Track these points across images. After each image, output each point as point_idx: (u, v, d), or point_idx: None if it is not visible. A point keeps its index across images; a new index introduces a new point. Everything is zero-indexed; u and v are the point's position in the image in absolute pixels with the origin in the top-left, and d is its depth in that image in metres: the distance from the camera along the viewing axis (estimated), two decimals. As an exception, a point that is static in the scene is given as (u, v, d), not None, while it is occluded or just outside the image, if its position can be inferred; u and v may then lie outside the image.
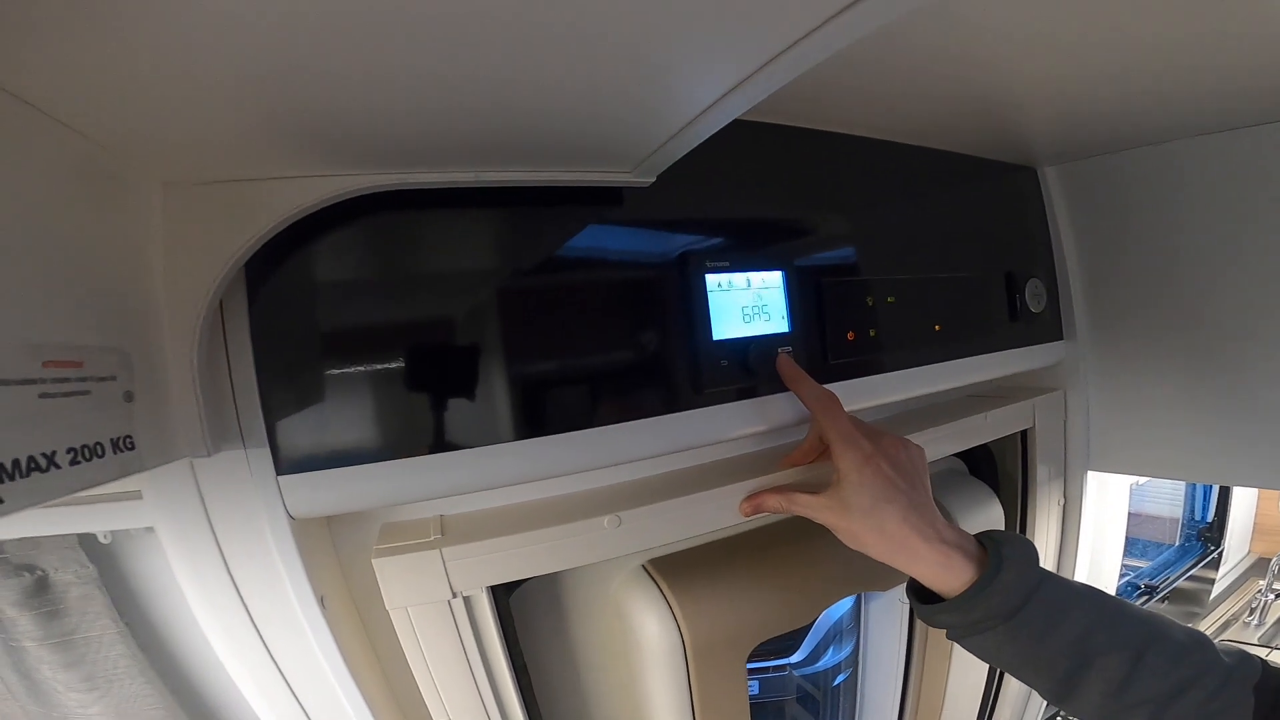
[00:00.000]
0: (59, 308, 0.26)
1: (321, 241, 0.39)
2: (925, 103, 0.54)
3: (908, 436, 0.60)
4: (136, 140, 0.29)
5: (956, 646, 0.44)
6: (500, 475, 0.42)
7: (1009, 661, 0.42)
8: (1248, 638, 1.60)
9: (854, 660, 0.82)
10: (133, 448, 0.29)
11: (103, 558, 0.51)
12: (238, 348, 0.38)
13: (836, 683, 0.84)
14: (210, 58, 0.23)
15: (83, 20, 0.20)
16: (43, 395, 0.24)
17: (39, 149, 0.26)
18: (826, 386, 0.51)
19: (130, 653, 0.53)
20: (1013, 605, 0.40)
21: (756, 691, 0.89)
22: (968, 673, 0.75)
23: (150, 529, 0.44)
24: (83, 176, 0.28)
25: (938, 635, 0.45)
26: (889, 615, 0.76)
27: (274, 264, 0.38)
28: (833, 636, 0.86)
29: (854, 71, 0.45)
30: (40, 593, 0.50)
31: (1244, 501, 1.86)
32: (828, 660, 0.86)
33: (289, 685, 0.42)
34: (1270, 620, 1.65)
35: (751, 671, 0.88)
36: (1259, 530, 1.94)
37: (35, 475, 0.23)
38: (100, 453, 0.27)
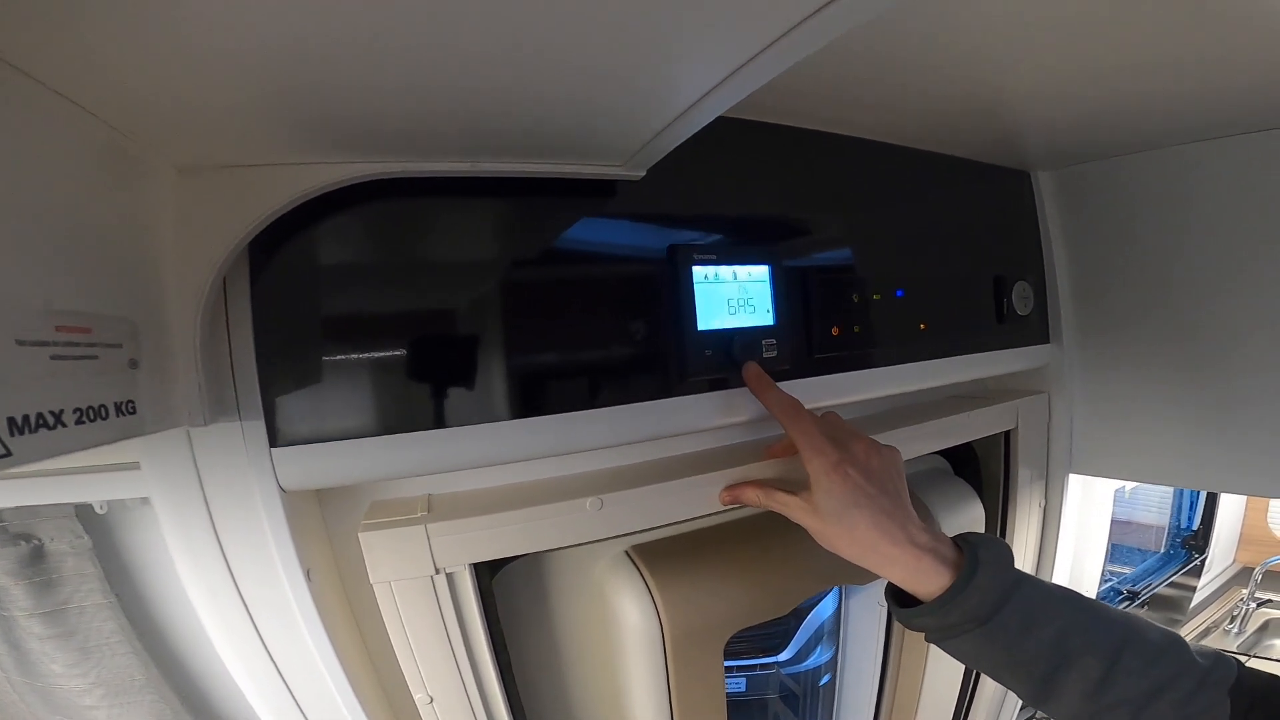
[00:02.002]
0: (73, 277, 0.28)
1: (321, 224, 0.40)
2: (920, 102, 0.54)
3: (890, 433, 0.61)
4: (154, 126, 0.31)
5: (933, 646, 0.44)
6: (488, 454, 0.43)
7: (987, 664, 0.42)
8: (1228, 645, 1.62)
9: (836, 659, 0.83)
10: (134, 412, 0.30)
11: (97, 529, 0.52)
12: (238, 323, 0.39)
13: (822, 683, 0.85)
14: (226, 46, 0.24)
15: (108, 12, 0.21)
16: (54, 357, 0.25)
17: (63, 132, 0.27)
18: (816, 379, 0.52)
19: (119, 625, 0.54)
20: (989, 609, 0.40)
21: (744, 688, 0.89)
22: (944, 672, 0.75)
23: (145, 500, 0.45)
24: (104, 159, 0.30)
25: (914, 634, 0.46)
26: (868, 613, 0.77)
27: (276, 244, 0.39)
28: (819, 637, 0.86)
29: (847, 68, 0.46)
30: (35, 562, 0.51)
31: (1230, 511, 1.87)
32: (814, 660, 0.86)
33: (271, 656, 0.43)
34: (1251, 629, 1.66)
35: (739, 669, 0.89)
36: (1244, 540, 1.96)
37: (43, 431, 0.24)
38: (104, 414, 0.28)
